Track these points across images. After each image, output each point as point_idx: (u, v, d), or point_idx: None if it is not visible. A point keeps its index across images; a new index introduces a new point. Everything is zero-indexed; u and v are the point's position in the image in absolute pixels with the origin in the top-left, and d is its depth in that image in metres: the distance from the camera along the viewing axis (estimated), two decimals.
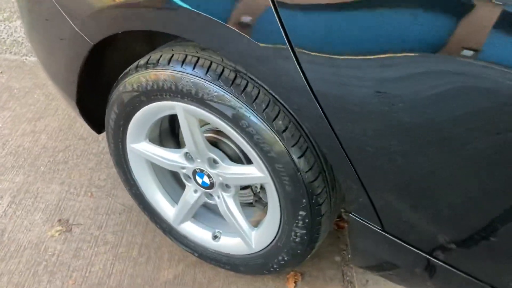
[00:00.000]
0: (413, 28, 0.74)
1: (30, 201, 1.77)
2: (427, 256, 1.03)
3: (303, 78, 0.88)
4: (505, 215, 0.86)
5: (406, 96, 0.81)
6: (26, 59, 2.60)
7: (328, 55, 0.84)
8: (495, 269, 0.97)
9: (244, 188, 1.42)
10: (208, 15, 0.92)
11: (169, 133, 1.49)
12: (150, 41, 1.40)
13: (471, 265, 1.00)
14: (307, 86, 0.89)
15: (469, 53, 0.72)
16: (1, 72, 2.48)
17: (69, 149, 2.01)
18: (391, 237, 1.05)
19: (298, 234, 1.20)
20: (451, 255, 1.00)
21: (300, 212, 1.15)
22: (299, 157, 1.06)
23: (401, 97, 0.81)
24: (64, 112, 2.20)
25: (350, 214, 1.07)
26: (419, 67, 0.77)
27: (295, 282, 1.50)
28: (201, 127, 1.30)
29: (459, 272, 1.01)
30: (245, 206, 1.46)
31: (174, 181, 1.52)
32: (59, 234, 1.65)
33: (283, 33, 0.86)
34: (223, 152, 1.27)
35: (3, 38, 2.79)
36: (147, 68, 1.15)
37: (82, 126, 2.11)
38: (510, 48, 0.68)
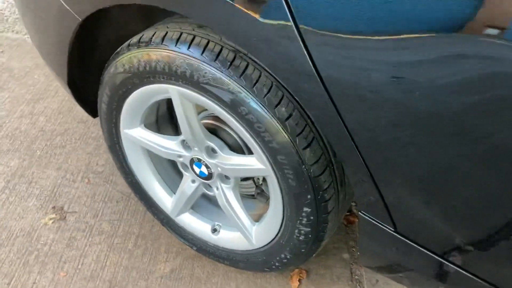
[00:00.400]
0: (434, 4, 0.63)
1: (24, 187, 1.69)
2: (441, 259, 0.93)
3: (309, 61, 0.77)
4: None
5: (424, 83, 0.70)
6: (28, 37, 2.51)
7: (338, 35, 0.73)
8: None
9: (245, 179, 1.32)
10: None
11: (167, 118, 1.38)
12: (147, 18, 1.29)
13: (488, 270, 0.90)
14: (314, 69, 0.78)
15: (496, 32, 0.61)
16: (2, 52, 2.40)
17: (68, 133, 1.92)
18: (403, 238, 0.95)
19: (302, 231, 1.10)
20: (466, 259, 0.91)
21: (305, 209, 1.04)
22: (304, 148, 0.96)
23: (419, 83, 0.70)
24: (65, 94, 2.11)
25: (360, 213, 0.97)
26: (440, 50, 0.66)
27: (299, 280, 1.41)
28: (199, 113, 1.20)
29: (475, 278, 0.91)
30: (246, 198, 1.36)
31: (172, 170, 1.43)
32: (52, 222, 1.57)
33: (286, 9, 0.74)
34: (223, 140, 1.17)
35: (6, 16, 2.70)
36: (139, 47, 1.04)
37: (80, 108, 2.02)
38: None
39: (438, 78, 0.68)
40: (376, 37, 0.70)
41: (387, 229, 0.95)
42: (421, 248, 0.95)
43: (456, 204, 0.83)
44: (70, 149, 1.85)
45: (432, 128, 0.75)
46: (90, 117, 1.98)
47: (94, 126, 1.96)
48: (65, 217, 1.59)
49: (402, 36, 0.68)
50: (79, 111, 2.02)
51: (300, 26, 0.75)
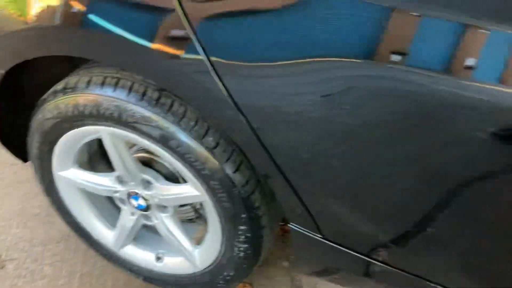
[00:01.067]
0: (332, 34, 0.74)
1: None
2: (367, 258, 1.04)
3: (225, 91, 0.85)
4: (435, 212, 0.88)
5: (329, 104, 0.80)
6: None
7: (247, 64, 0.82)
8: (433, 264, 0.99)
9: (183, 205, 1.38)
10: (118, 35, 0.88)
11: (100, 155, 1.42)
12: (71, 61, 1.32)
13: (409, 262, 1.01)
14: (230, 99, 0.86)
15: (394, 57, 0.72)
16: None
17: None
18: (331, 243, 1.05)
19: (241, 248, 1.18)
20: (389, 255, 1.01)
21: (241, 227, 1.12)
22: (234, 172, 1.04)
23: (330, 103, 0.80)
24: None
25: (289, 225, 1.06)
26: (342, 72, 0.76)
27: None
28: (130, 147, 1.25)
29: (399, 271, 1.02)
30: (186, 223, 1.42)
31: (110, 205, 1.45)
32: None
33: (198, 44, 0.82)
34: (157, 171, 1.22)
35: None
36: (65, 93, 1.08)
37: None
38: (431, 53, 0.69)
39: (342, 97, 0.79)
40: (279, 63, 0.79)
41: (315, 236, 1.05)
42: (347, 250, 1.05)
43: (374, 208, 0.94)
44: (2, 195, 1.81)
45: (344, 144, 0.85)
46: (18, 161, 1.96)
47: (23, 170, 1.93)
48: (4, 265, 1.56)
49: (304, 61, 0.77)
50: (6, 156, 1.98)
51: (212, 59, 0.82)
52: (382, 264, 1.03)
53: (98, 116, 1.05)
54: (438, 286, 0.99)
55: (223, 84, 0.85)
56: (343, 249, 1.05)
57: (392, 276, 1.04)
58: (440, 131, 0.75)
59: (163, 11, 0.84)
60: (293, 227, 1.06)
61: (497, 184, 0.79)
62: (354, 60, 0.74)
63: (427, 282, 1.00)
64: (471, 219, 0.86)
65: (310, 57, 0.76)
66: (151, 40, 0.86)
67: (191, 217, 1.41)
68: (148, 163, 1.24)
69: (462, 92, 0.69)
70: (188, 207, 1.39)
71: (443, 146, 0.77)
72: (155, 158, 1.23)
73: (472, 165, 0.78)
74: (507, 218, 0.83)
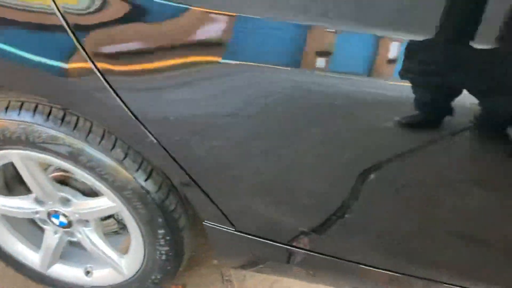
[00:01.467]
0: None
1: None
2: (283, 245, 1.12)
3: (123, 105, 0.90)
4: (344, 199, 0.96)
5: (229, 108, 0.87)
6: None
7: (139, 77, 0.87)
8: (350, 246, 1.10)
9: (106, 218, 1.41)
10: (13, 58, 0.90)
11: (16, 178, 1.42)
12: None
13: (325, 246, 1.10)
14: (129, 112, 0.91)
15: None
16: None
17: None
18: (245, 235, 1.13)
19: (163, 251, 1.23)
20: (303, 240, 1.10)
21: (160, 231, 1.18)
22: (145, 180, 1.10)
23: (225, 109, 0.88)
24: None
25: (204, 223, 1.13)
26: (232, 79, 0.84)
27: None
28: (47, 167, 1.27)
29: (316, 254, 1.11)
30: (112, 234, 1.46)
31: (32, 226, 1.46)
32: None
33: (90, 62, 0.86)
34: (74, 188, 1.26)
35: None
36: None
37: None
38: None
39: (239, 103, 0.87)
40: (170, 74, 0.84)
41: (229, 230, 1.13)
42: (262, 240, 1.14)
43: (279, 200, 1.03)
44: None
45: (241, 147, 0.93)
46: None
47: None
48: None
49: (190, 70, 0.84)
50: None
51: (107, 76, 0.87)
52: (300, 250, 1.12)
53: (5, 140, 1.08)
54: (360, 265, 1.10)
55: (121, 99, 0.90)
56: (258, 238, 1.13)
57: (311, 259, 1.13)
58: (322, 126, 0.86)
59: (53, 31, 0.86)
60: (207, 224, 1.13)
61: (400, 170, 0.89)
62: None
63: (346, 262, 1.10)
64: (376, 202, 0.97)
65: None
66: (46, 61, 0.89)
67: (116, 229, 1.44)
68: (65, 181, 1.27)
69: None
70: (111, 219, 1.43)
71: (330, 140, 0.88)
72: (70, 175, 1.27)
73: (373, 154, 0.88)
74: (409, 200, 0.94)
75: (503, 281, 1.04)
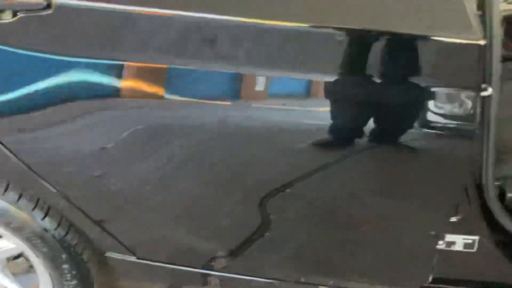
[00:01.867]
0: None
1: None
2: (184, 267, 1.18)
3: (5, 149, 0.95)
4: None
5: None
6: None
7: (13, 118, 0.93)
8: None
9: (16, 257, 1.41)
10: None
11: None
12: None
13: (236, 266, 1.16)
14: (13, 155, 0.96)
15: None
16: None
17: None
18: (148, 262, 1.18)
19: (71, 285, 1.25)
20: (213, 263, 1.16)
21: (64, 266, 1.20)
22: (43, 218, 1.12)
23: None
24: None
25: (106, 254, 1.17)
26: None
27: None
28: None
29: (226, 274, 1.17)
30: (23, 273, 1.45)
31: None
32: None
33: None
34: None
35: None
36: None
37: None
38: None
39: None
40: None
41: (131, 259, 1.17)
42: (167, 265, 1.18)
43: (174, 227, 1.11)
44: None
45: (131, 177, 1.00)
46: None
47: None
48: None
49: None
50: None
51: None
52: (210, 272, 1.17)
53: None
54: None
55: (2, 144, 0.94)
56: (163, 265, 1.18)
57: (228, 280, 1.19)
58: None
59: None
60: (109, 255, 1.17)
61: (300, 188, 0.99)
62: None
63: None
64: (278, 218, 1.06)
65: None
66: None
67: (26, 268, 1.44)
68: None
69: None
70: (21, 258, 1.42)
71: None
72: None
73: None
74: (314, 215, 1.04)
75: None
